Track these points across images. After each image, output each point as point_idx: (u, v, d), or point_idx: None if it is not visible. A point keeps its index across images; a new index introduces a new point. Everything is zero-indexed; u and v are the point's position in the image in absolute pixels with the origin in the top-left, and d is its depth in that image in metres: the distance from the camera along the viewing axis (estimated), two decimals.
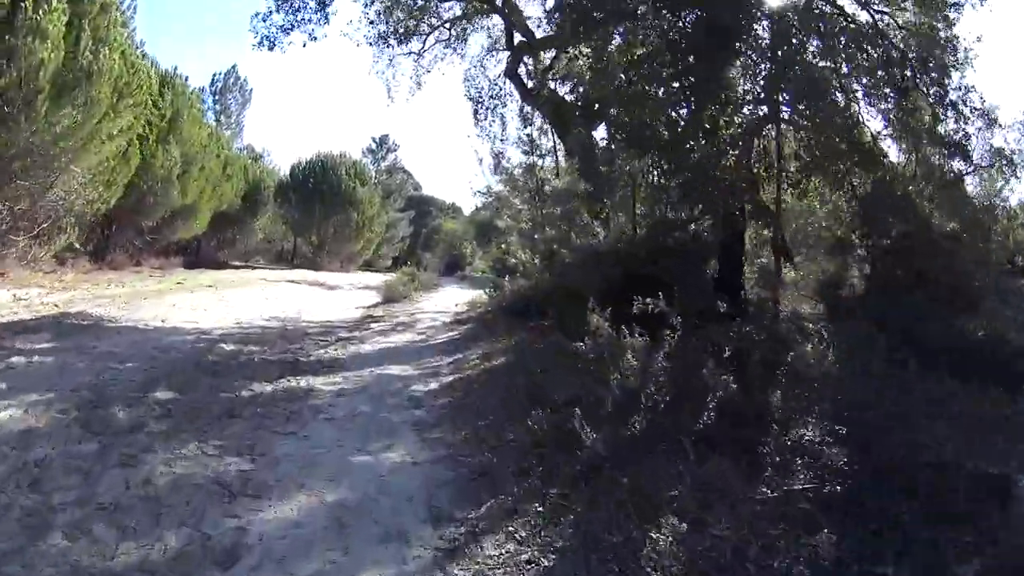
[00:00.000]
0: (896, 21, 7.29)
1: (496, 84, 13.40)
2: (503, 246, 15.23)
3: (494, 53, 13.59)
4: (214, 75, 33.00)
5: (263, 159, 30.76)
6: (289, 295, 13.71)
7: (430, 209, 51.24)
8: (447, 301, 14.11)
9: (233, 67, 33.57)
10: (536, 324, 9.18)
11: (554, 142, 13.10)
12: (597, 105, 11.01)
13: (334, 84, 77.54)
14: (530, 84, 12.65)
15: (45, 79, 11.15)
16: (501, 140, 13.24)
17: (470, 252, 34.55)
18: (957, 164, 7.07)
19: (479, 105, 13.46)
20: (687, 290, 7.36)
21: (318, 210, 26.80)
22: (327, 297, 14.49)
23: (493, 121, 13.30)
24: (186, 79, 20.42)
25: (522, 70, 12.61)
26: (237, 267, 24.89)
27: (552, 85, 12.48)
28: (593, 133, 11.83)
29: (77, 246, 16.40)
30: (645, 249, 8.06)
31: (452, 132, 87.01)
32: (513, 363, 6.30)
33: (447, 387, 5.93)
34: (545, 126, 13.01)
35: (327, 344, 7.91)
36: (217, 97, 31.29)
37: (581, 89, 11.88)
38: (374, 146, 44.54)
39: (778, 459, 3.61)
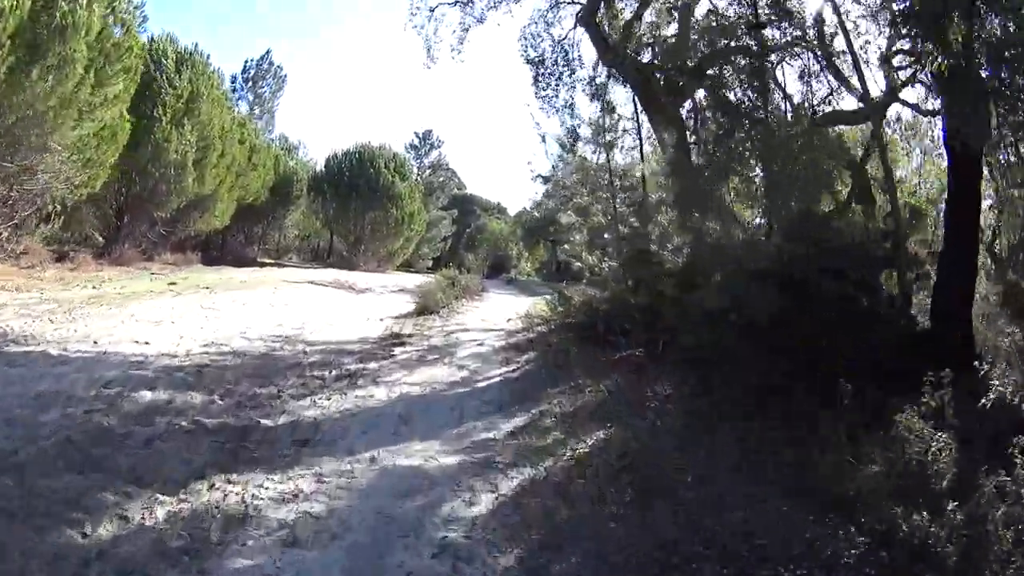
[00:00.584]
0: None
1: (563, 45, 10.52)
2: (567, 246, 12.27)
3: (560, 6, 10.71)
4: (246, 61, 31.21)
5: (298, 150, 28.75)
6: (304, 301, 11.23)
7: (473, 208, 48.72)
8: (495, 312, 11.54)
9: (267, 52, 31.69)
10: (626, 355, 6.44)
11: (637, 117, 10.12)
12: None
13: (378, 77, 76.30)
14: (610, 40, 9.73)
15: (6, 34, 8.95)
16: (569, 112, 10.35)
17: (516, 254, 31.79)
18: None
19: (540, 69, 10.58)
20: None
21: (354, 205, 24.48)
22: (350, 304, 12.03)
23: (558, 88, 10.41)
24: (207, 57, 18.42)
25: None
26: (265, 265, 22.85)
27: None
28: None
29: (68, 236, 14.48)
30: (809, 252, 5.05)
31: (498, 129, 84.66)
32: (635, 460, 3.38)
33: (512, 516, 3.03)
34: (622, 91, 10.07)
35: (318, 387, 5.23)
36: (249, 84, 29.44)
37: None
38: (417, 141, 42.26)
39: None
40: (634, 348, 6.51)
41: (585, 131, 10.64)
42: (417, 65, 77.87)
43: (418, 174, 41.89)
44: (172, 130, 16.06)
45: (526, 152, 49.62)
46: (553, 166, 13.87)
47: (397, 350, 7.17)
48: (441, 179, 42.72)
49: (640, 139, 10.38)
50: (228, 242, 23.05)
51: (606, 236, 12.35)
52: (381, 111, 72.14)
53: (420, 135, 42.47)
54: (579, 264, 13.60)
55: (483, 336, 8.55)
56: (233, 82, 29.26)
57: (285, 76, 30.11)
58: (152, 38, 17.63)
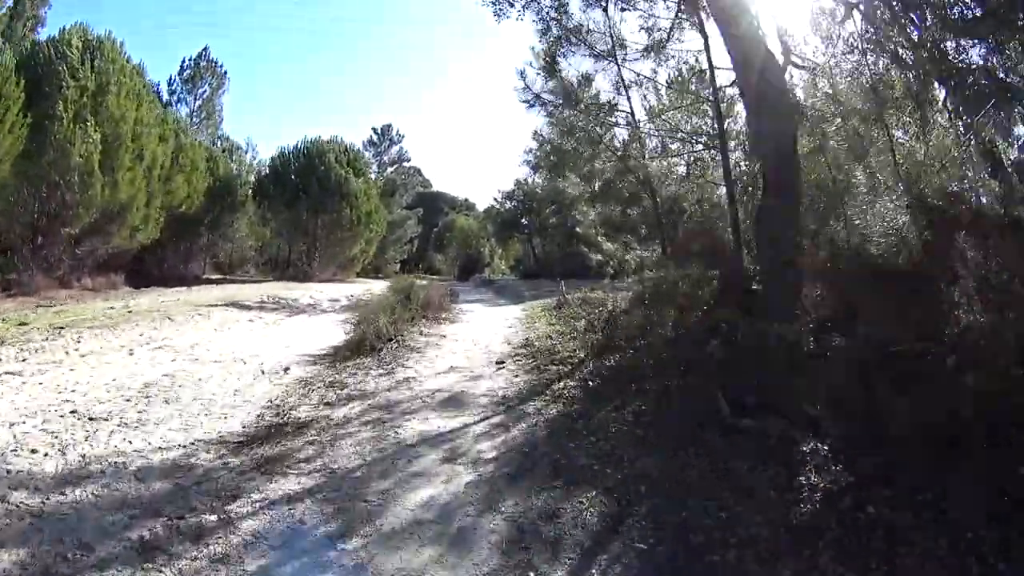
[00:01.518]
0: None
1: None
2: (579, 229, 10.19)
3: None
4: (184, 59, 28.33)
5: (244, 151, 26.08)
6: (180, 342, 7.87)
7: (441, 206, 46.48)
8: (471, 341, 8.43)
9: (205, 49, 28.83)
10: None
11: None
12: None
13: (332, 77, 73.18)
14: None
15: None
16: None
17: (488, 252, 29.79)
18: None
19: None
20: None
21: (304, 207, 22.04)
22: (255, 339, 8.55)
23: None
24: (121, 43, 15.85)
25: None
26: (208, 282, 20.36)
27: None
28: None
29: None
30: None
31: (462, 124, 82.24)
32: None
33: None
34: None
35: None
36: (187, 85, 26.60)
37: None
38: (375, 137, 39.69)
39: None
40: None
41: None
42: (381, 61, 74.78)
43: (379, 172, 39.47)
44: (74, 129, 13.60)
45: (496, 145, 47.25)
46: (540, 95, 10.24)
47: (238, 509, 3.36)
48: (404, 177, 40.32)
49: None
50: (167, 259, 20.42)
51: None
52: (337, 110, 69.15)
53: (379, 130, 39.99)
54: (595, 255, 11.38)
55: (454, 417, 4.97)
56: (171, 84, 26.41)
57: (226, 73, 27.30)
58: (63, 29, 15.26)
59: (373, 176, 26.23)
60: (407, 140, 49.51)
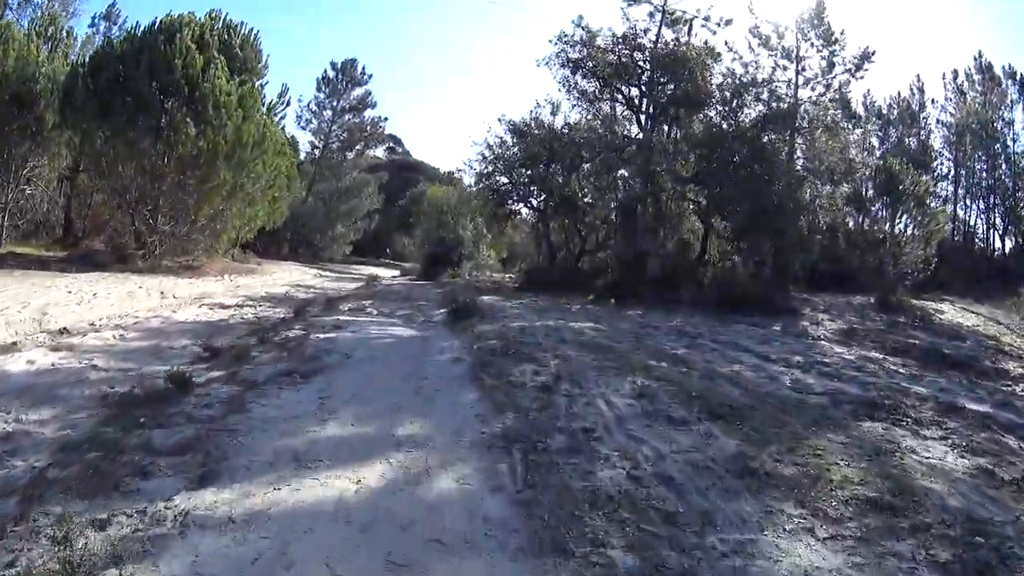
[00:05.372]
0: None
1: None
2: None
3: None
4: None
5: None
6: None
7: (418, 178, 36.29)
8: None
9: None
10: None
11: None
12: None
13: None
14: None
15: None
16: None
17: (472, 236, 19.80)
18: None
19: None
20: None
21: (144, 128, 11.98)
22: None
23: None
24: None
25: None
26: None
27: None
28: None
29: None
30: None
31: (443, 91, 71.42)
32: None
33: None
34: None
35: None
36: None
37: None
38: (332, 74, 29.40)
39: None
40: None
41: None
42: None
43: (332, 120, 29.21)
44: None
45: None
46: None
47: None
48: (366, 128, 30.06)
49: None
50: None
51: None
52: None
53: (337, 65, 29.56)
54: None
55: None
56: None
57: None
58: None
59: (261, 65, 15.05)
60: (373, 80, 38.78)
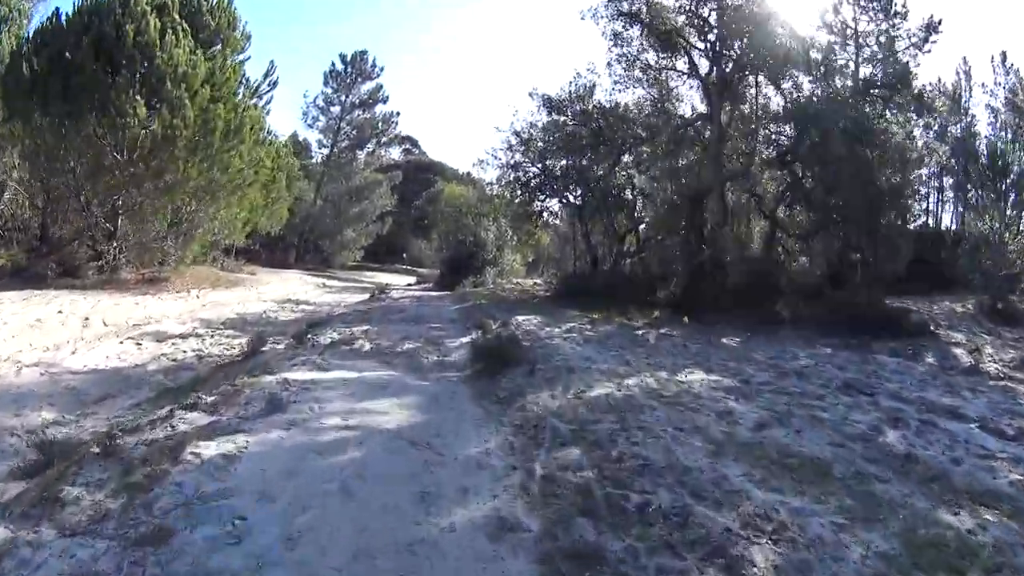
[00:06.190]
0: None
1: None
2: None
3: None
4: None
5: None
6: None
7: (434, 179, 33.86)
8: None
9: None
10: None
11: None
12: None
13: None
14: None
15: None
16: None
17: (494, 240, 17.22)
18: None
19: None
20: None
21: (64, 112, 9.72)
22: None
23: None
24: None
25: None
26: None
27: None
28: None
29: None
30: None
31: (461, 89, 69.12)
32: None
33: None
34: None
35: None
36: None
37: None
38: (340, 67, 27.24)
39: None
40: None
41: None
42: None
43: (340, 116, 26.97)
44: None
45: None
46: None
47: None
48: (378, 124, 27.74)
49: None
50: None
51: None
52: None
53: (347, 58, 27.33)
54: None
55: None
56: None
57: None
58: None
59: (240, 35, 12.25)
60: (385, 73, 36.66)
